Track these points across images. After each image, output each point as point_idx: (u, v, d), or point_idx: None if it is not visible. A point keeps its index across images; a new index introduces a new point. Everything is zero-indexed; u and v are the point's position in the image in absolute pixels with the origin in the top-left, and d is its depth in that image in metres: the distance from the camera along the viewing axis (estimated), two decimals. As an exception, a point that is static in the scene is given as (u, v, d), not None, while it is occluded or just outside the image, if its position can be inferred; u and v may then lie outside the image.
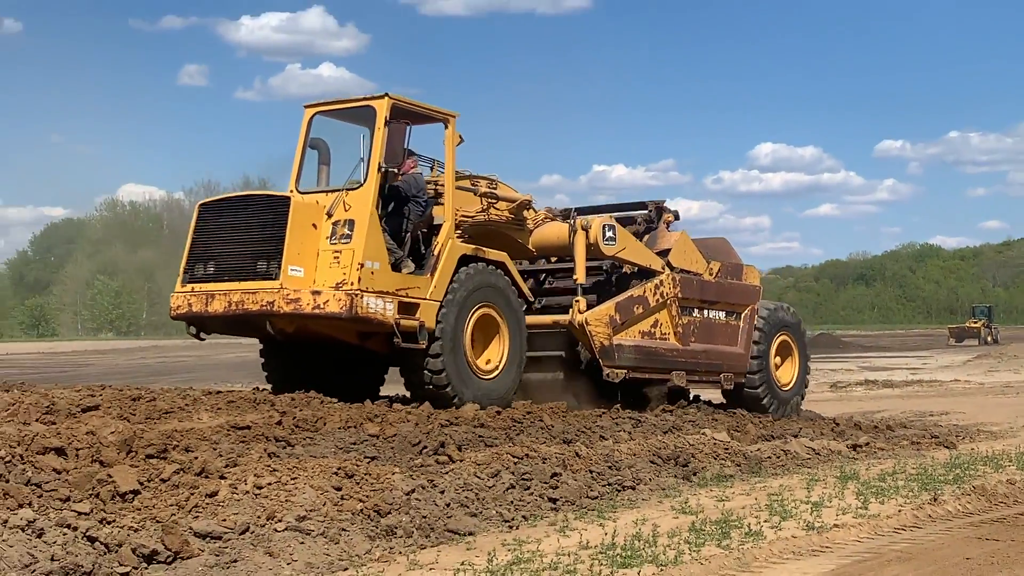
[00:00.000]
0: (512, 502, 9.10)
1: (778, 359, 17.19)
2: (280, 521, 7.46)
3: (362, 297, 11.77)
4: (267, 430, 10.02)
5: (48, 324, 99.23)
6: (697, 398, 16.86)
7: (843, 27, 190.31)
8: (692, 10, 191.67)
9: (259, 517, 7.44)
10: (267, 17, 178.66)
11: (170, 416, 10.47)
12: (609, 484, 10.18)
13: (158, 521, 7.07)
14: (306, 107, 13.45)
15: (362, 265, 11.85)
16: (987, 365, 39.34)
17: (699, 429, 13.12)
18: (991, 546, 8.07)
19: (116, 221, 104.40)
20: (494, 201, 14.15)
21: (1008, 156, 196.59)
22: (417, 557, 7.52)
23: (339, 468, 8.54)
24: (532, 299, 14.25)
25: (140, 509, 7.30)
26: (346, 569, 7.16)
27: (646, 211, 16.25)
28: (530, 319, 14.05)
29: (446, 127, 13.36)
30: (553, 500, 9.41)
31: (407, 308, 12.26)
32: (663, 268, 15.50)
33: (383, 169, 12.41)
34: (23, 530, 6.41)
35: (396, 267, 12.37)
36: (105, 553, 6.56)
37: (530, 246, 14.81)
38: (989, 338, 70.22)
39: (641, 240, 15.63)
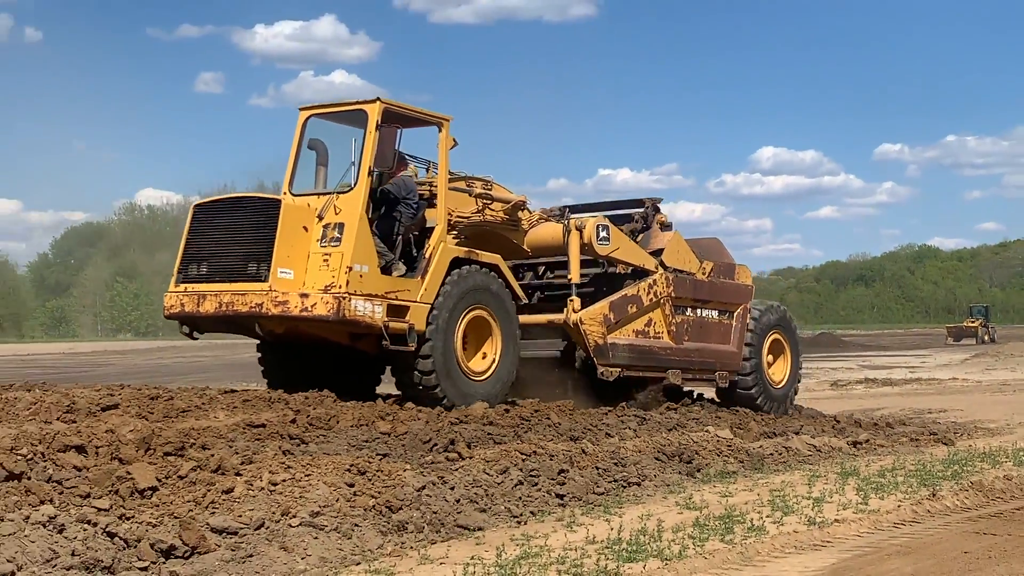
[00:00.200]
0: (520, 498, 9.10)
1: (770, 357, 17.07)
2: (294, 517, 7.46)
3: (350, 300, 11.63)
4: (282, 428, 10.03)
5: (68, 325, 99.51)
6: (701, 396, 16.82)
7: (842, 34, 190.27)
8: (695, 18, 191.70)
9: (274, 513, 7.44)
10: (280, 26, 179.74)
11: (187, 415, 10.48)
12: (615, 480, 10.17)
13: (176, 517, 7.08)
14: (301, 109, 13.34)
15: (350, 268, 11.71)
16: (984, 363, 39.26)
17: (703, 426, 13.10)
18: (989, 540, 8.06)
19: (134, 225, 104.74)
20: (489, 202, 14.01)
21: (1004, 159, 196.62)
22: (428, 552, 7.52)
23: (352, 465, 8.54)
24: (526, 299, 14.09)
25: (158, 505, 7.31)
26: (359, 563, 7.16)
27: (640, 210, 16.09)
28: (525, 318, 13.94)
29: (440, 131, 13.22)
30: (560, 496, 9.41)
31: (396, 311, 12.10)
32: (656, 268, 15.38)
33: (373, 172, 12.30)
34: (45, 526, 6.42)
35: (387, 270, 12.22)
36: (124, 548, 6.57)
37: (525, 246, 14.67)
38: (986, 337, 70.12)
39: (635, 240, 15.51)
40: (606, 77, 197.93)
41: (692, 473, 11.01)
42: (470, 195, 13.81)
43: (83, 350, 61.90)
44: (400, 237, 12.57)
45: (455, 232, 13.43)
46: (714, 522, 8.54)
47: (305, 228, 11.98)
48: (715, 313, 16.21)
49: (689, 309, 15.81)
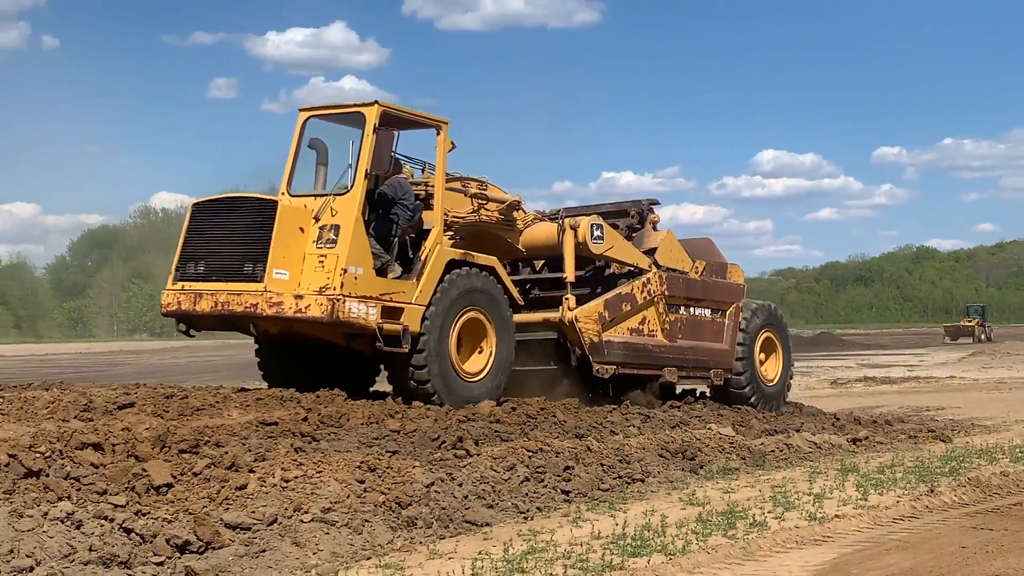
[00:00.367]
0: (527, 494, 9.10)
1: (763, 355, 17.00)
2: (306, 513, 7.47)
3: (344, 302, 11.54)
4: (294, 426, 10.04)
5: (85, 326, 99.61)
6: (704, 394, 16.79)
7: (841, 40, 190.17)
8: (696, 24, 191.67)
9: (286, 509, 7.45)
10: (292, 32, 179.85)
11: (201, 413, 10.49)
12: (620, 477, 10.16)
13: (190, 513, 7.08)
14: (300, 111, 13.24)
15: (345, 270, 11.62)
16: (981, 362, 39.19)
17: (705, 424, 13.09)
18: (986, 535, 8.05)
19: (149, 227, 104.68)
20: (484, 202, 13.91)
21: (1000, 162, 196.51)
22: (437, 547, 7.53)
23: (362, 462, 8.54)
24: (522, 302, 14.00)
25: (173, 501, 7.31)
26: (369, 558, 7.17)
27: (634, 209, 16.01)
28: (520, 317, 13.85)
29: (438, 133, 13.11)
30: (566, 492, 9.41)
31: (391, 312, 12.01)
32: (650, 266, 15.32)
33: (370, 175, 12.19)
34: (63, 522, 6.43)
35: (382, 272, 12.13)
36: (140, 544, 6.58)
37: (520, 246, 14.59)
38: (983, 336, 69.96)
39: (628, 240, 15.45)
40: (609, 82, 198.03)
41: (695, 470, 11.00)
42: (465, 195, 13.71)
43: (99, 350, 61.98)
44: (396, 239, 12.46)
45: (451, 232, 13.33)
46: (717, 518, 8.53)
47: (301, 229, 11.87)
48: (708, 312, 16.14)
49: (682, 307, 15.76)
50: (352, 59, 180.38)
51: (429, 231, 12.74)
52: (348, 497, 7.86)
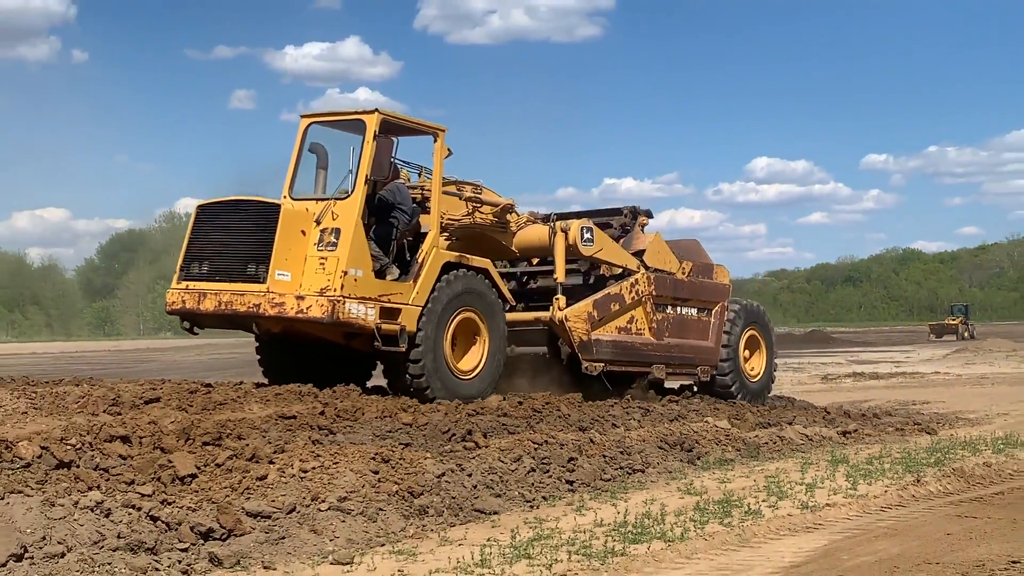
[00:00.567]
0: (533, 484, 9.10)
1: (747, 352, 16.84)
2: (323, 502, 7.46)
3: (344, 303, 11.43)
4: (311, 419, 10.03)
5: (113, 325, 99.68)
6: (692, 388, 16.61)
7: (830, 52, 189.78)
8: (693, 38, 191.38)
9: (304, 498, 7.45)
10: (309, 47, 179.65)
11: (224, 407, 10.47)
12: (621, 468, 10.16)
13: (213, 502, 7.08)
14: (302, 117, 13.08)
15: (345, 272, 11.50)
16: (964, 358, 39.10)
17: (702, 417, 13.08)
18: (969, 523, 8.04)
19: (174, 231, 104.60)
20: (478, 205, 13.77)
21: (983, 168, 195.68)
22: (447, 534, 7.53)
23: (376, 454, 8.55)
24: (514, 303, 13.87)
25: (197, 491, 7.31)
26: (383, 545, 7.17)
27: (622, 215, 15.90)
28: (513, 315, 13.73)
29: (435, 140, 12.96)
30: (570, 482, 9.40)
31: (389, 313, 11.90)
32: (638, 268, 15.16)
33: (370, 180, 12.07)
34: (92, 510, 6.44)
35: (381, 274, 12.02)
36: (166, 531, 6.58)
37: (513, 247, 14.45)
38: (966, 334, 69.76)
39: (617, 242, 15.30)
40: (610, 93, 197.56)
41: (693, 461, 10.99)
42: (460, 199, 13.58)
43: (127, 348, 62.04)
44: (395, 242, 12.37)
45: (447, 234, 13.20)
46: (713, 506, 8.52)
47: (303, 232, 11.76)
48: (694, 311, 16.00)
49: (669, 307, 15.63)
50: (366, 72, 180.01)
51: (426, 234, 12.64)
52: (363, 487, 7.85)
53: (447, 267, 12.55)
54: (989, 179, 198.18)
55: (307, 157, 12.85)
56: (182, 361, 41.16)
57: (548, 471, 9.42)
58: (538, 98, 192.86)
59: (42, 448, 7.53)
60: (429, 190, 12.98)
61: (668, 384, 16.18)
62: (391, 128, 12.54)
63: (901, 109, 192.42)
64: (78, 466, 7.50)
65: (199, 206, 12.44)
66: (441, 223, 12.95)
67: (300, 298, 11.49)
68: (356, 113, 12.59)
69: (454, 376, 12.56)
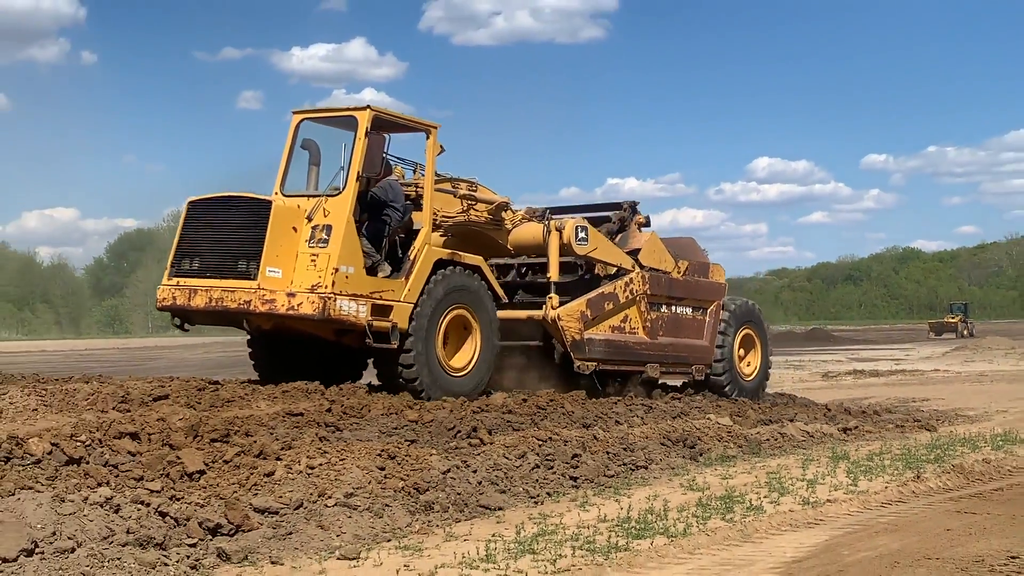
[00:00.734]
0: (537, 480, 9.10)
1: (741, 351, 16.76)
2: (330, 498, 7.47)
3: (335, 300, 11.25)
4: (318, 416, 10.02)
5: (122, 323, 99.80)
6: (686, 386, 16.52)
7: (831, 53, 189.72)
8: (696, 40, 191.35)
9: (311, 494, 7.45)
10: (315, 48, 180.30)
11: (232, 404, 10.48)
12: (624, 464, 10.15)
13: (221, 498, 7.09)
14: (294, 113, 12.88)
15: (336, 269, 11.36)
16: (964, 356, 39.06)
17: (704, 414, 13.07)
18: (969, 519, 8.03)
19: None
20: (473, 203, 13.64)
21: (981, 168, 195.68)
22: (453, 530, 7.53)
23: (382, 450, 8.55)
24: (507, 299, 13.67)
25: (205, 487, 7.31)
26: (389, 540, 7.17)
27: (619, 211, 15.78)
28: (505, 313, 13.54)
29: (428, 137, 12.77)
30: (574, 478, 9.40)
31: (380, 310, 11.75)
32: (633, 267, 15.04)
33: (362, 177, 11.91)
34: (102, 506, 6.44)
35: (372, 271, 11.86)
36: (175, 526, 6.59)
37: (508, 245, 14.30)
38: (965, 332, 69.63)
39: (613, 240, 15.19)
40: (614, 93, 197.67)
41: (695, 457, 10.99)
42: (455, 196, 13.46)
43: (135, 346, 62.12)
44: (387, 239, 12.21)
45: (442, 231, 13.10)
46: (716, 502, 8.52)
47: (294, 228, 11.60)
48: (689, 309, 15.91)
49: (664, 306, 15.52)
50: (372, 72, 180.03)
51: (419, 231, 12.48)
52: (369, 483, 7.86)
53: (439, 264, 12.41)
54: (988, 179, 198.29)
55: (300, 154, 12.69)
56: (190, 359, 41.18)
57: (552, 467, 9.41)
58: (542, 99, 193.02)
59: (52, 445, 7.54)
60: (423, 187, 12.83)
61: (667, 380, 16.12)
62: (383, 125, 12.39)
63: (901, 109, 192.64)
64: (88, 462, 7.50)
65: (190, 202, 12.24)
66: (435, 220, 12.83)
67: (291, 295, 11.34)
68: (348, 109, 12.43)
69: (446, 373, 12.42)
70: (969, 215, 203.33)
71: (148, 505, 6.64)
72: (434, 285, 12.23)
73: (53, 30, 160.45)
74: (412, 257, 12.22)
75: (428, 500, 7.98)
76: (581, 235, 14.14)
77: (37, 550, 5.87)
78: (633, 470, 10.08)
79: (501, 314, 13.28)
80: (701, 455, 11.08)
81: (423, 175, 13.02)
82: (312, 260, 11.48)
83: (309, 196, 12.09)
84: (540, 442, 9.82)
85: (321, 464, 7.96)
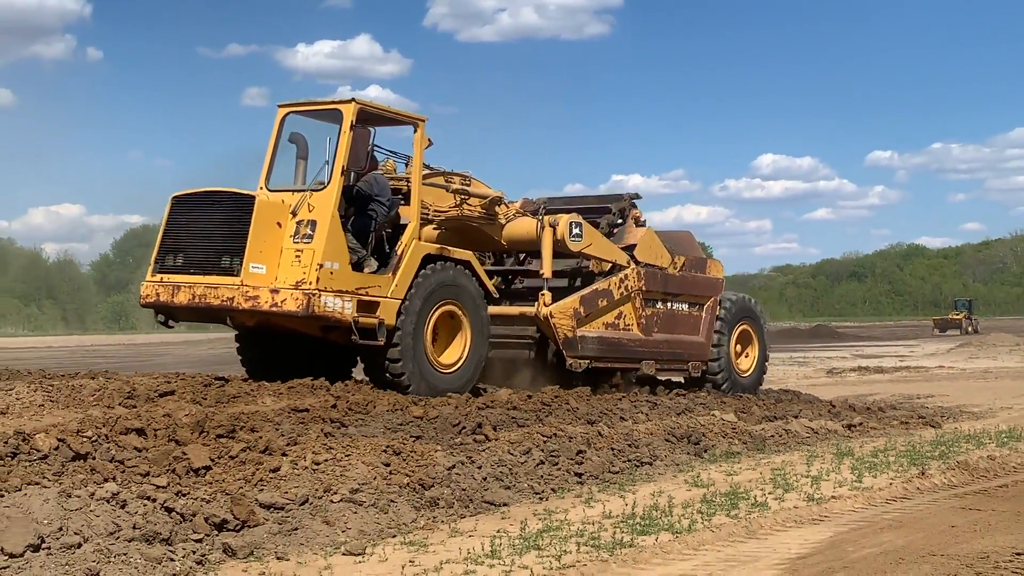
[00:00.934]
0: (542, 476, 9.10)
1: (738, 347, 16.71)
2: (336, 493, 7.47)
3: (319, 296, 11.07)
4: (323, 412, 10.03)
5: (128, 319, 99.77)
6: (681, 383, 16.45)
7: (835, 50, 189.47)
8: (700, 36, 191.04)
9: (317, 490, 7.45)
10: (320, 45, 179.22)
11: (237, 400, 10.49)
12: (629, 460, 10.15)
13: (227, 493, 7.09)
14: (279, 106, 12.69)
15: (321, 265, 11.12)
16: (968, 353, 39.02)
17: (709, 411, 13.07)
18: (974, 515, 8.02)
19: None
20: (466, 197, 13.45)
21: (986, 165, 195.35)
22: (458, 525, 7.53)
23: (388, 446, 8.55)
24: (497, 295, 13.57)
25: (211, 483, 7.32)
26: (394, 536, 7.17)
27: (620, 202, 15.69)
28: (497, 309, 13.42)
29: (415, 130, 12.53)
30: (579, 475, 9.40)
31: (367, 306, 11.53)
32: (628, 263, 14.90)
33: (347, 171, 11.74)
34: (108, 501, 6.44)
35: (358, 266, 11.69)
36: (181, 522, 6.59)
37: (502, 240, 14.15)
38: (970, 328, 69.50)
39: (610, 236, 15.09)
40: (618, 90, 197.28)
41: (700, 453, 10.98)
42: (447, 190, 13.29)
43: (141, 342, 62.19)
44: (373, 234, 12.05)
45: (434, 226, 12.94)
46: (720, 498, 8.52)
47: (279, 224, 11.41)
48: (685, 305, 15.81)
49: (659, 302, 15.41)
50: (377, 69, 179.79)
51: (406, 226, 12.29)
52: (375, 479, 7.86)
53: (427, 259, 12.23)
54: (992, 175, 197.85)
55: (289, 148, 12.51)
56: (196, 355, 41.22)
57: (557, 464, 9.41)
58: (546, 95, 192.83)
59: (59, 440, 7.55)
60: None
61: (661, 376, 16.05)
62: (369, 118, 12.21)
63: (906, 106, 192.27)
64: (94, 458, 7.51)
65: (174, 197, 12.06)
66: (427, 215, 12.69)
67: (275, 291, 11.18)
68: (333, 102, 12.23)
69: (435, 370, 12.25)
70: (974, 211, 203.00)
71: (154, 500, 6.64)
72: (422, 280, 12.05)
73: (59, 27, 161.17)
74: (399, 252, 12.03)
75: (433, 496, 7.99)
76: (575, 231, 14.02)
77: (43, 545, 5.88)
78: (638, 466, 10.08)
79: (493, 310, 13.13)
80: (706, 451, 11.08)
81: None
82: (296, 256, 11.31)
83: (295, 191, 11.91)
84: (545, 438, 9.82)
85: (326, 460, 7.97)
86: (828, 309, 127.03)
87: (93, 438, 7.82)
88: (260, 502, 7.07)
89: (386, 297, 11.76)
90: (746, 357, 16.92)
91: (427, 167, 13.12)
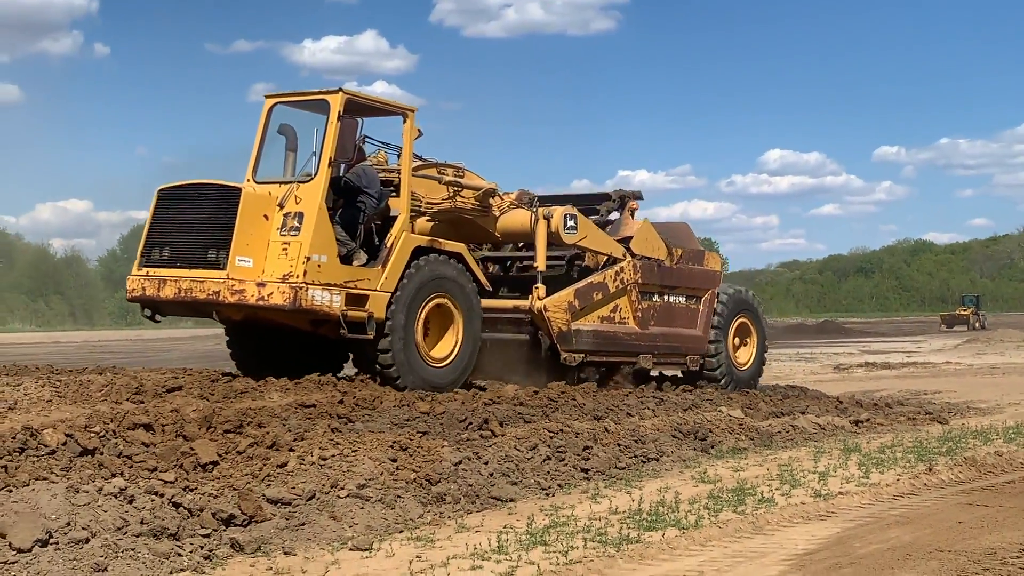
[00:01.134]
0: (548, 472, 9.10)
1: (736, 340, 16.58)
2: (343, 489, 7.48)
3: (307, 290, 10.95)
4: (330, 408, 10.04)
5: (135, 315, 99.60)
6: (678, 376, 16.38)
7: (843, 45, 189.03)
8: (706, 31, 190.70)
9: (324, 485, 7.46)
10: (327, 40, 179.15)
11: (245, 396, 10.50)
12: (635, 456, 10.15)
13: (235, 489, 7.11)
14: (266, 97, 12.54)
15: (308, 258, 11.02)
16: (975, 348, 38.96)
17: (716, 407, 13.06)
18: (981, 511, 8.01)
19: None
20: (459, 189, 13.28)
21: (994, 160, 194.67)
22: (464, 521, 7.54)
23: (394, 442, 8.56)
24: (490, 288, 13.41)
25: (219, 478, 7.34)
26: (401, 531, 7.18)
27: (611, 200, 15.59)
28: (491, 303, 13.32)
29: (404, 121, 12.36)
30: (585, 470, 9.40)
31: (356, 299, 11.42)
32: (624, 255, 14.76)
33: (335, 163, 11.65)
34: (116, 497, 6.46)
35: (347, 259, 11.51)
36: (188, 517, 6.60)
37: (496, 232, 13.99)
38: (977, 324, 69.42)
39: (605, 228, 14.96)
40: (625, 85, 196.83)
41: (706, 449, 10.98)
42: (440, 182, 13.15)
43: (149, 337, 62.27)
44: (362, 226, 11.92)
45: (428, 218, 12.81)
46: (727, 494, 8.52)
47: (266, 216, 11.29)
48: (682, 298, 15.67)
49: (656, 295, 15.27)
50: (383, 65, 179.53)
51: (396, 218, 12.17)
52: (381, 474, 7.87)
53: (418, 252, 12.10)
54: (1000, 171, 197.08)
55: (276, 139, 12.37)
56: (203, 350, 41.25)
57: (563, 459, 9.42)
58: (553, 91, 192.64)
59: (67, 436, 7.57)
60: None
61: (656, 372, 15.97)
62: (358, 108, 12.12)
63: (913, 102, 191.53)
64: (102, 453, 7.53)
65: (160, 190, 11.92)
66: (419, 207, 12.57)
67: (261, 285, 11.07)
68: (320, 93, 12.07)
69: (426, 364, 12.16)
70: (981, 207, 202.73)
71: (162, 496, 6.66)
72: (412, 273, 11.93)
73: (66, 23, 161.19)
74: (389, 245, 11.91)
75: (440, 492, 7.99)
76: (570, 223, 13.84)
77: (51, 540, 5.89)
78: (644, 462, 10.07)
79: (486, 303, 13.02)
80: (712, 447, 11.08)
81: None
82: (284, 249, 11.19)
83: (282, 183, 11.78)
84: (551, 434, 9.83)
85: (333, 455, 7.98)
86: (835, 305, 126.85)
87: (101, 433, 7.83)
88: (267, 497, 7.08)
89: (375, 290, 11.65)
90: (744, 351, 16.82)
91: (419, 158, 13.00)
